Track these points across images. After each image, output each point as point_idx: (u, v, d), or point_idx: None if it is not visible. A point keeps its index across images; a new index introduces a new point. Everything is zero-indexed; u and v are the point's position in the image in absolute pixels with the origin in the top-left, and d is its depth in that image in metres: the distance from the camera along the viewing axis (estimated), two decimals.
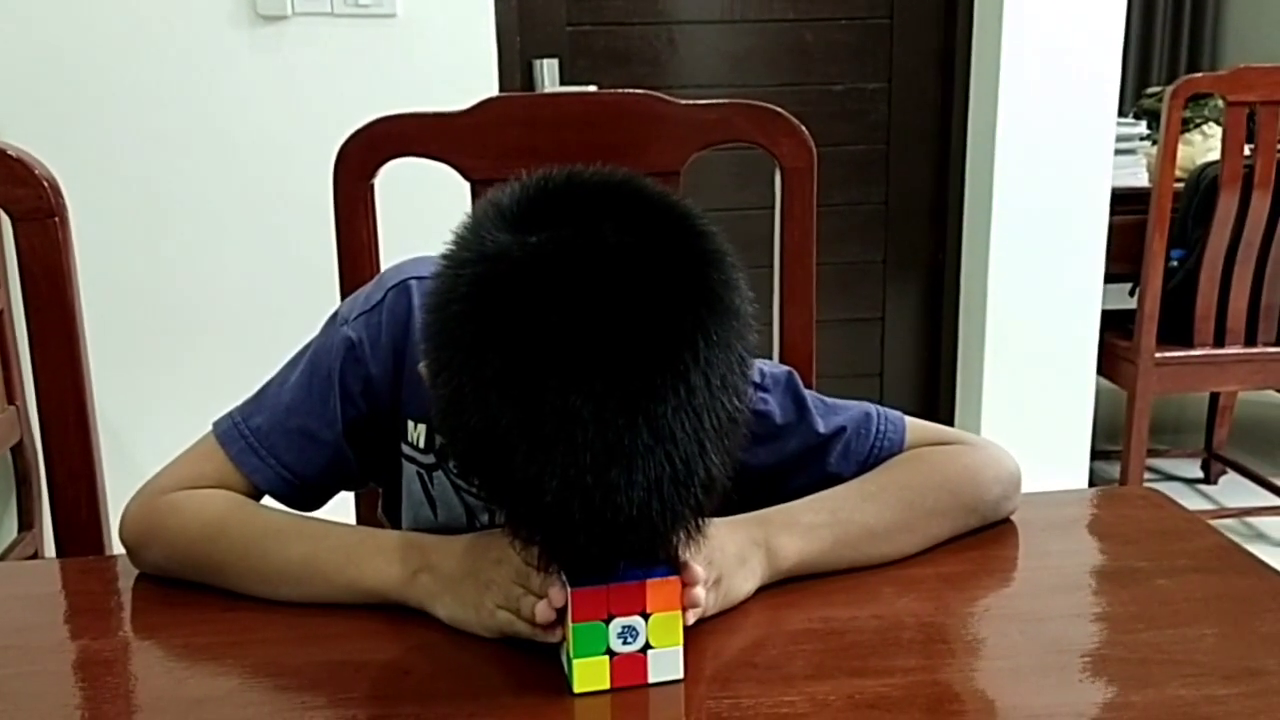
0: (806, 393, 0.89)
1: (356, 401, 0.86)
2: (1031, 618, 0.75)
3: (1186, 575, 0.80)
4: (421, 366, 0.68)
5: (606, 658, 0.67)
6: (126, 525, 0.83)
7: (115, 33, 2.18)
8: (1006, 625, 0.75)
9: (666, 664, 0.68)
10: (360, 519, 1.11)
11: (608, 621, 0.66)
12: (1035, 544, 0.88)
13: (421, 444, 0.88)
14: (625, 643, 0.67)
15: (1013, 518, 0.90)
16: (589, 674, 0.66)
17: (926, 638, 0.74)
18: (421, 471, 0.89)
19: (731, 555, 0.76)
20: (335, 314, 0.89)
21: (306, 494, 0.87)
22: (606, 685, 0.67)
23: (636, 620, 0.67)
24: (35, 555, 2.27)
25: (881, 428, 0.88)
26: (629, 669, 0.67)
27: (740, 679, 0.68)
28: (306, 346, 0.88)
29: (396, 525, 0.95)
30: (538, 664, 0.69)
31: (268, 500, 0.85)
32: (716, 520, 0.72)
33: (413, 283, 0.86)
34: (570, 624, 0.66)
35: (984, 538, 0.90)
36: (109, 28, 2.18)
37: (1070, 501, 0.99)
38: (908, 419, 0.90)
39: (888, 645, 0.72)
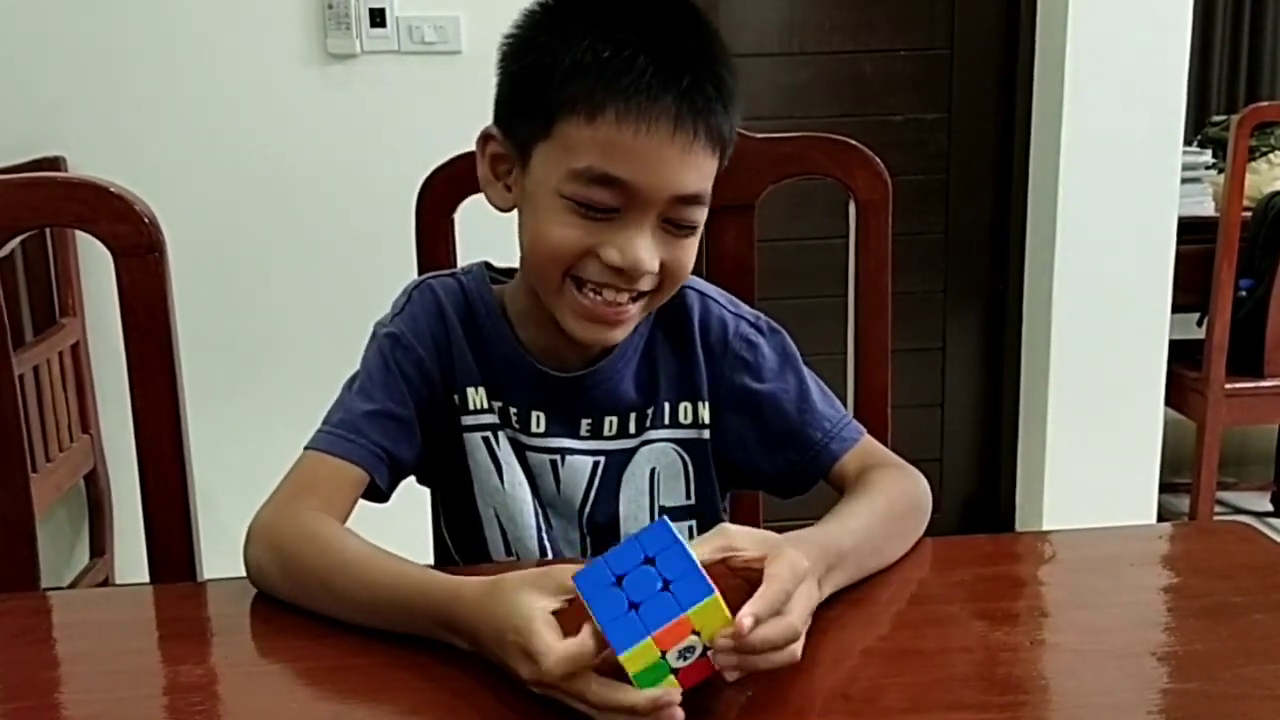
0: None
1: (415, 384, 0.93)
2: (1128, 653, 0.74)
3: None
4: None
5: (672, 676, 0.64)
6: (247, 553, 0.84)
7: (193, 73, 2.25)
8: (1103, 660, 0.74)
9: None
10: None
11: (663, 656, 0.64)
12: (1127, 579, 0.87)
13: (484, 403, 0.95)
14: (684, 659, 0.64)
15: (1103, 551, 0.89)
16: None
17: (1022, 672, 0.73)
18: (487, 435, 0.95)
19: (803, 574, 0.71)
20: (373, 333, 0.97)
21: (399, 474, 0.93)
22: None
23: (691, 639, 0.64)
24: (106, 581, 2.32)
25: (845, 417, 0.97)
26: (695, 673, 0.65)
27: (834, 710, 0.68)
28: (355, 374, 0.95)
29: (457, 539, 1.00)
30: None
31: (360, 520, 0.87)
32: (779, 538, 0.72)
33: (431, 280, 0.97)
34: (631, 676, 0.63)
35: (1073, 571, 0.90)
36: (186, 68, 2.25)
37: (1158, 536, 0.99)
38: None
39: (982, 679, 0.72)
